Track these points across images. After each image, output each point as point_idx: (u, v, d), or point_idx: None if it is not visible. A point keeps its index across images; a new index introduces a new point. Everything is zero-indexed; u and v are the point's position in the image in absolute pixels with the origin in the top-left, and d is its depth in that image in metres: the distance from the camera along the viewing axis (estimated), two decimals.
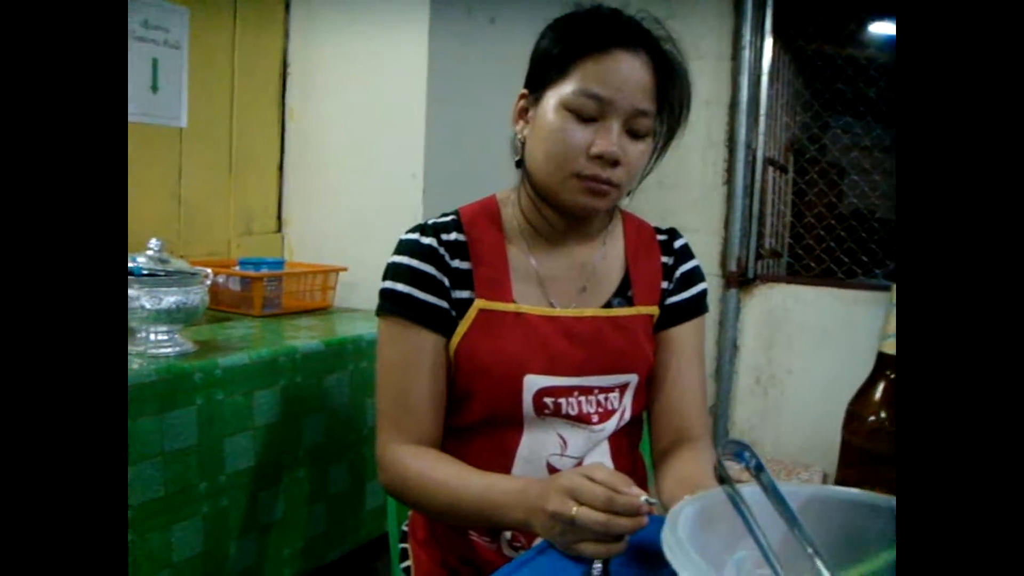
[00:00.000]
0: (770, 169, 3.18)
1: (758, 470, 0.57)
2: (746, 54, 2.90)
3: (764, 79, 2.94)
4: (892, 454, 0.77)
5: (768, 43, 2.93)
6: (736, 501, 0.53)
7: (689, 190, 3.02)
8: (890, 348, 0.78)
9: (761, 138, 2.97)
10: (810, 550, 0.55)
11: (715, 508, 0.55)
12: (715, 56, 2.96)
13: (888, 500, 0.60)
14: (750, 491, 0.58)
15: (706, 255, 2.99)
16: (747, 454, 0.57)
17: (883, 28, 3.25)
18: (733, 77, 2.95)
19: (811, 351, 2.83)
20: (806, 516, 0.58)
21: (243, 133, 2.40)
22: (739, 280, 2.96)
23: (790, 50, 3.31)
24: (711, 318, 2.99)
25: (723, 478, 0.54)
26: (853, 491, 0.62)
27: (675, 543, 0.47)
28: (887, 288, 2.72)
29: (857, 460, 0.79)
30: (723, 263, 3.00)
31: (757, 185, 2.98)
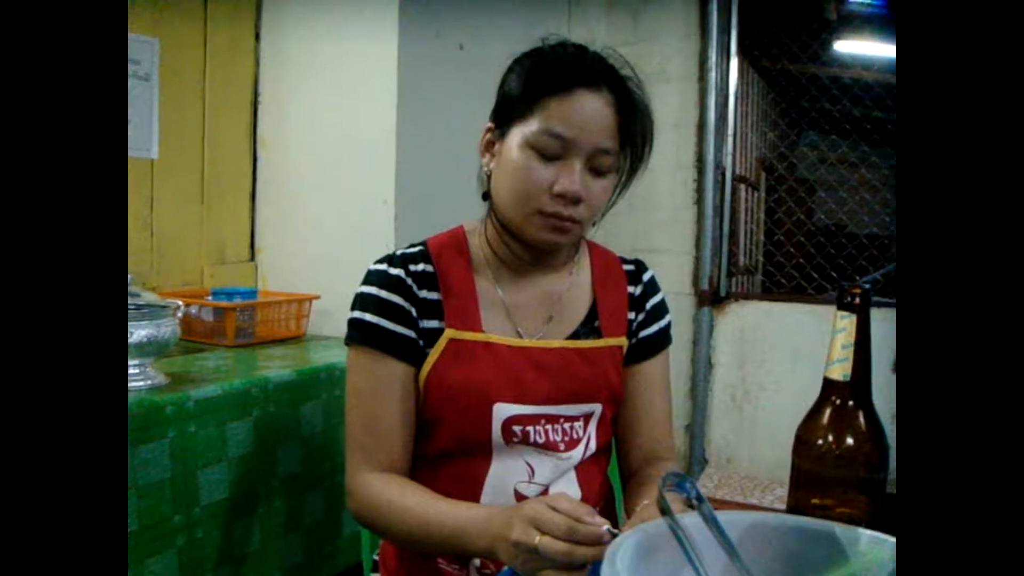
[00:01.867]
0: (741, 187, 3.22)
1: (699, 500, 0.59)
2: (712, 75, 2.94)
3: (731, 99, 2.98)
4: (840, 477, 0.80)
5: (734, 63, 2.98)
6: (676, 532, 0.55)
7: (659, 211, 3.05)
8: (835, 374, 0.81)
9: (729, 158, 3.01)
10: None
11: (657, 538, 0.57)
12: (682, 77, 3.01)
13: (827, 526, 0.62)
14: (693, 521, 0.60)
15: (678, 275, 3.03)
16: (688, 484, 0.59)
17: (846, 47, 3.32)
18: (700, 98, 2.99)
19: (785, 367, 2.87)
20: (748, 543, 0.60)
21: (215, 163, 2.41)
22: (712, 298, 2.99)
23: (756, 70, 3.37)
24: (685, 336, 3.01)
25: (664, 510, 0.56)
26: (792, 518, 0.64)
27: None
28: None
29: (806, 483, 0.81)
30: (695, 282, 3.03)
31: (727, 204, 3.02)
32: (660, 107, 2.95)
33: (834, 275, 3.03)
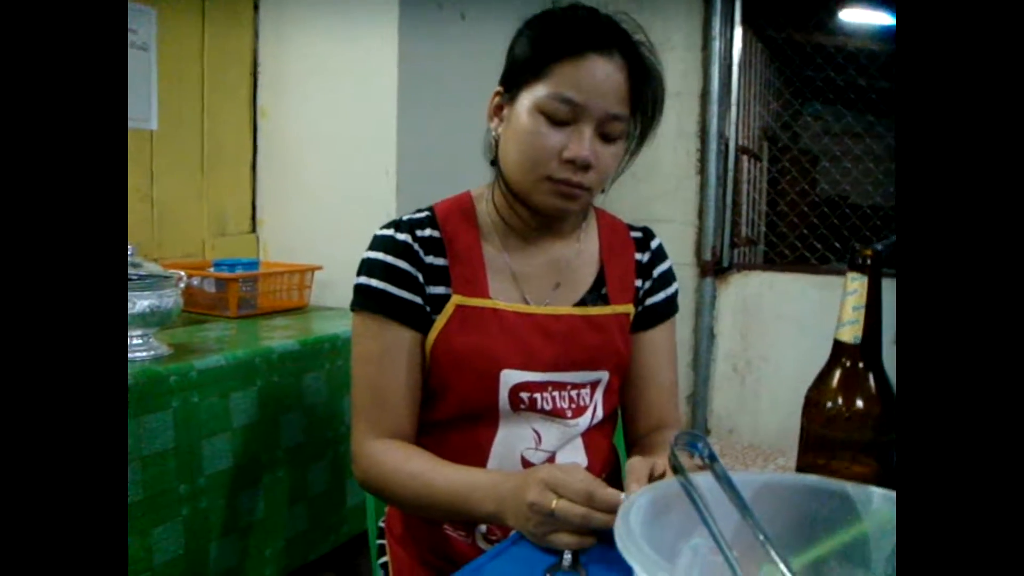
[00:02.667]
0: (744, 158, 3.20)
1: (711, 460, 0.58)
2: (716, 44, 2.92)
3: (735, 68, 2.96)
4: (849, 439, 0.79)
5: (738, 32, 2.95)
6: (689, 490, 0.55)
7: (663, 181, 3.04)
8: (845, 336, 0.80)
9: (733, 127, 2.99)
10: (762, 537, 0.56)
11: (669, 497, 0.57)
12: (685, 46, 2.98)
13: (840, 484, 0.61)
14: (705, 480, 0.59)
15: (681, 245, 3.02)
16: (700, 444, 0.58)
17: (852, 16, 3.28)
18: (704, 67, 2.97)
19: (787, 337, 2.87)
20: (760, 503, 0.60)
21: (214, 134, 2.39)
22: (714, 269, 2.99)
23: (760, 39, 3.34)
24: (688, 307, 3.01)
25: (676, 468, 0.56)
26: (805, 477, 0.64)
27: (625, 532, 0.48)
28: None
29: (816, 446, 0.81)
30: (698, 252, 3.02)
31: (730, 174, 3.01)
32: (664, 75, 2.95)
33: (837, 246, 3.02)
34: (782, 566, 0.57)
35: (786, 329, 2.87)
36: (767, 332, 2.93)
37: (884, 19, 3.32)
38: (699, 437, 0.58)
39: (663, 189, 3.05)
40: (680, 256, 3.01)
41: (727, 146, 2.99)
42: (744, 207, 3.23)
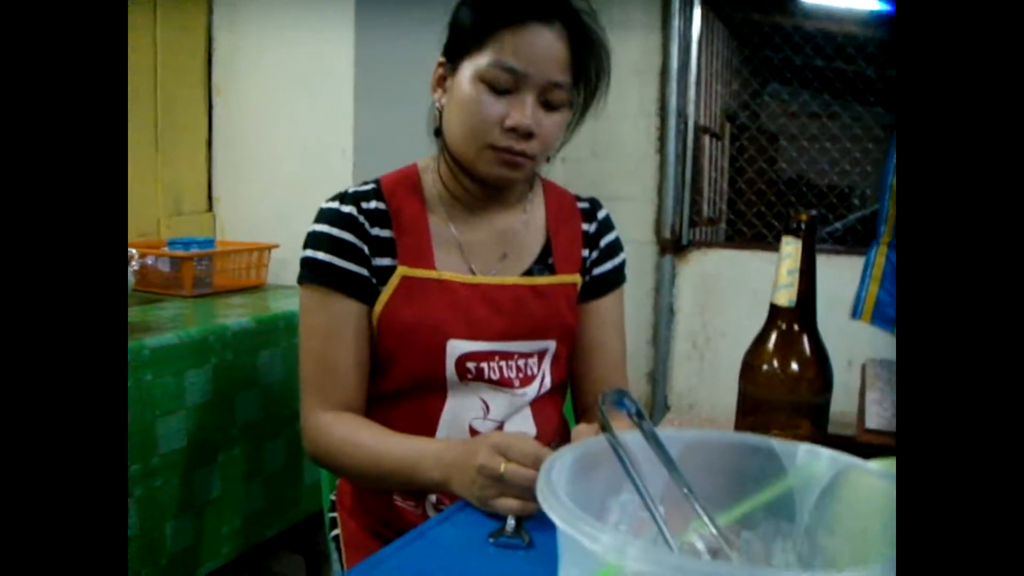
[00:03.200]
0: (705, 137, 3.23)
1: (639, 417, 0.59)
2: (675, 22, 2.93)
3: (693, 47, 2.97)
4: (784, 401, 0.81)
5: (697, 12, 2.96)
6: (615, 447, 0.56)
7: (622, 159, 3.05)
8: (780, 299, 0.81)
9: (692, 106, 3.01)
10: (686, 491, 0.57)
11: (597, 454, 0.58)
12: (645, 25, 2.99)
13: (766, 440, 0.63)
14: (634, 438, 0.60)
15: (641, 223, 3.04)
16: (627, 401, 0.59)
17: None
18: (663, 45, 2.98)
19: (745, 313, 2.90)
20: (689, 460, 0.61)
21: (168, 111, 2.35)
22: (674, 246, 3.01)
23: (720, 18, 3.35)
24: (647, 284, 3.03)
25: (604, 426, 0.57)
26: (732, 434, 0.65)
27: (546, 487, 0.49)
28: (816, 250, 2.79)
29: (753, 409, 0.82)
30: (658, 230, 3.04)
31: (690, 152, 3.03)
32: (623, 54, 2.96)
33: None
34: (706, 519, 0.58)
35: (745, 305, 2.90)
36: (726, 309, 2.96)
37: (841, 0, 3.35)
38: (625, 394, 0.59)
39: (623, 167, 3.06)
40: (640, 234, 3.03)
41: (686, 124, 3.01)
42: (705, 186, 3.26)
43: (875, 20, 3.35)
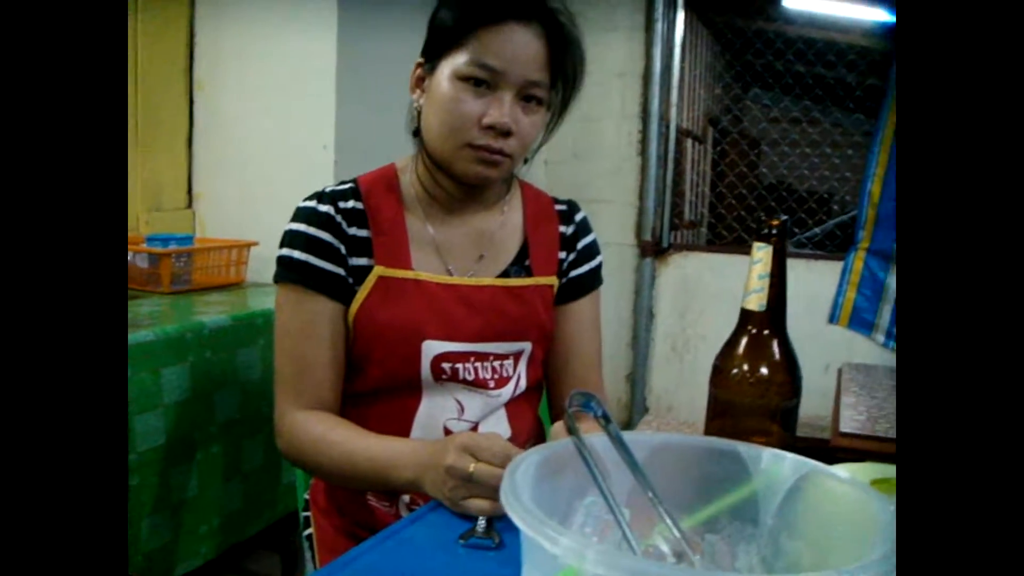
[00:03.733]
0: (687, 141, 3.24)
1: (605, 420, 0.60)
2: (659, 26, 2.94)
3: (676, 51, 2.99)
4: (754, 405, 0.82)
5: (680, 16, 2.97)
6: (581, 450, 0.56)
7: (603, 161, 3.06)
8: (751, 304, 0.82)
9: (675, 109, 3.02)
10: (650, 494, 0.58)
11: (563, 457, 0.58)
12: (628, 27, 3.00)
13: (731, 444, 0.63)
14: (601, 441, 0.61)
15: (621, 226, 3.05)
16: (594, 404, 0.60)
17: (793, 3, 3.33)
18: (646, 49, 2.99)
19: (724, 316, 2.90)
20: (655, 464, 0.62)
21: (149, 106, 2.34)
22: (654, 249, 3.02)
23: (703, 23, 3.37)
24: (627, 287, 3.05)
25: (570, 428, 0.57)
26: (699, 438, 0.66)
27: (510, 489, 0.49)
28: (794, 255, 2.82)
29: (723, 412, 0.83)
30: (638, 233, 3.05)
31: (671, 155, 3.04)
32: (606, 56, 2.98)
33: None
34: (669, 523, 0.59)
35: (724, 308, 2.92)
36: (705, 312, 2.98)
37: (824, 7, 3.38)
38: (592, 397, 0.59)
39: (604, 169, 3.07)
40: (620, 236, 3.04)
41: (668, 127, 3.02)
42: (687, 190, 3.28)
43: (856, 27, 3.38)
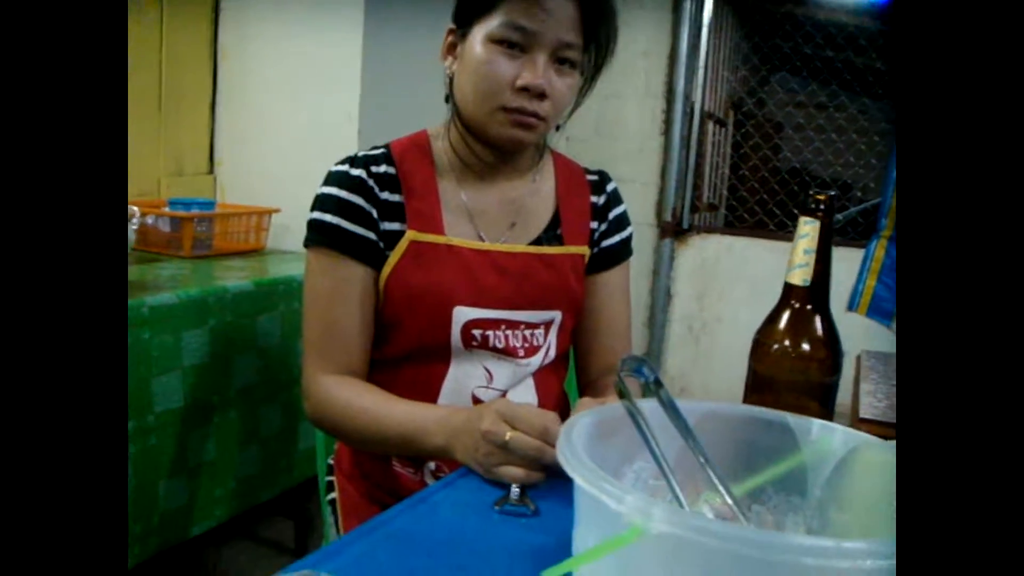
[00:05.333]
0: (709, 123, 3.22)
1: (656, 385, 0.59)
2: (687, 5, 2.91)
3: (704, 31, 2.95)
4: (794, 381, 0.81)
5: None
6: (633, 414, 0.55)
7: (626, 140, 3.04)
8: (795, 278, 0.81)
9: (699, 90, 2.99)
10: (702, 460, 0.57)
11: (613, 421, 0.57)
12: (656, 7, 2.97)
13: (780, 415, 0.63)
14: (649, 406, 0.60)
15: (642, 205, 3.03)
16: (645, 369, 0.59)
17: None
18: (673, 28, 2.96)
19: (742, 300, 2.90)
20: (703, 431, 0.61)
21: (173, 72, 2.33)
22: (674, 230, 3.00)
23: (731, 4, 3.33)
24: (646, 267, 3.03)
25: (621, 392, 0.56)
26: (748, 407, 0.65)
27: (568, 448, 0.49)
28: None
29: (762, 387, 0.82)
30: (658, 213, 3.04)
31: (694, 137, 3.01)
32: (632, 35, 2.95)
33: (796, 212, 3.06)
34: (722, 490, 0.58)
35: (742, 292, 2.90)
36: (723, 294, 2.96)
37: None
38: (644, 362, 0.58)
39: (627, 148, 3.05)
40: (640, 216, 3.03)
41: (692, 109, 2.99)
42: (707, 171, 3.25)
43: (887, 12, 3.33)
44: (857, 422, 1.94)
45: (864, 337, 2.82)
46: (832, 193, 0.80)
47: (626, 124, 3.03)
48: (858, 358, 2.57)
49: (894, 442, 0.67)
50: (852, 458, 0.60)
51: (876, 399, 2.05)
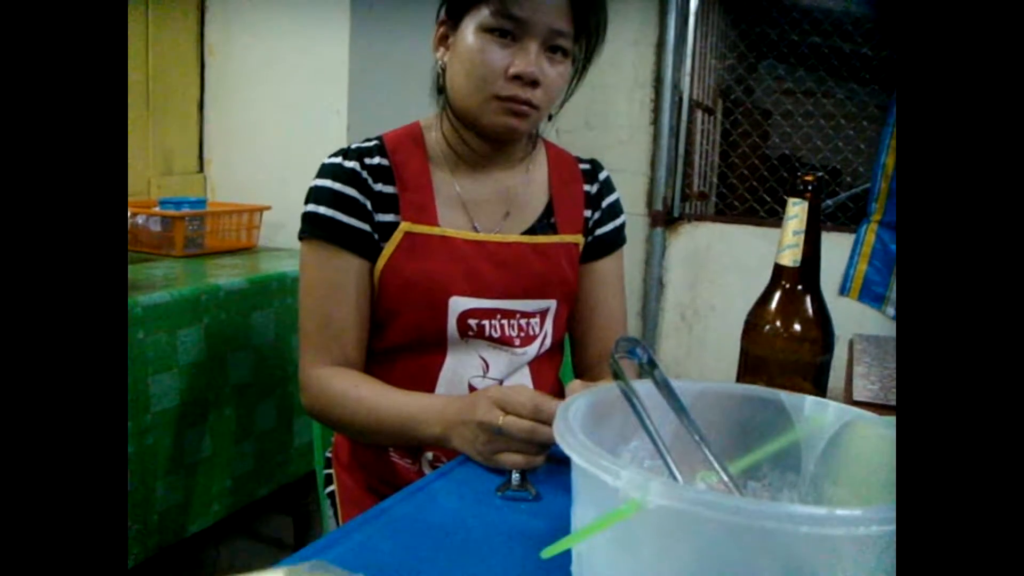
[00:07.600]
0: (698, 112, 3.22)
1: (651, 366, 0.60)
2: None
3: (691, 20, 2.96)
4: (786, 361, 0.82)
5: None
6: (628, 394, 0.56)
7: (616, 130, 3.04)
8: (785, 259, 0.82)
9: (687, 79, 2.99)
10: (697, 438, 0.58)
11: (608, 401, 0.58)
12: None
13: (774, 393, 0.63)
14: (643, 387, 0.61)
15: (632, 195, 3.04)
16: (639, 350, 0.59)
17: None
18: (660, 17, 2.96)
19: (734, 287, 2.92)
20: (697, 410, 0.62)
21: (160, 70, 2.32)
22: (665, 219, 3.01)
23: None
24: (638, 256, 3.04)
25: (616, 373, 0.57)
26: (741, 386, 0.66)
27: (564, 427, 0.49)
28: None
29: (755, 368, 0.83)
30: (649, 203, 3.04)
31: (683, 125, 3.02)
32: (620, 24, 2.94)
33: (785, 198, 3.06)
34: (718, 467, 0.58)
35: (733, 279, 2.92)
36: (715, 282, 2.97)
37: None
38: (638, 343, 0.59)
39: (616, 138, 3.06)
40: (631, 206, 3.03)
41: (681, 97, 3.00)
42: (697, 160, 3.26)
43: None
44: (851, 405, 1.95)
45: (856, 321, 2.84)
46: (819, 174, 0.81)
47: (615, 114, 3.03)
48: (851, 342, 2.59)
49: (885, 416, 0.68)
50: (845, 432, 0.61)
51: (869, 381, 2.06)
